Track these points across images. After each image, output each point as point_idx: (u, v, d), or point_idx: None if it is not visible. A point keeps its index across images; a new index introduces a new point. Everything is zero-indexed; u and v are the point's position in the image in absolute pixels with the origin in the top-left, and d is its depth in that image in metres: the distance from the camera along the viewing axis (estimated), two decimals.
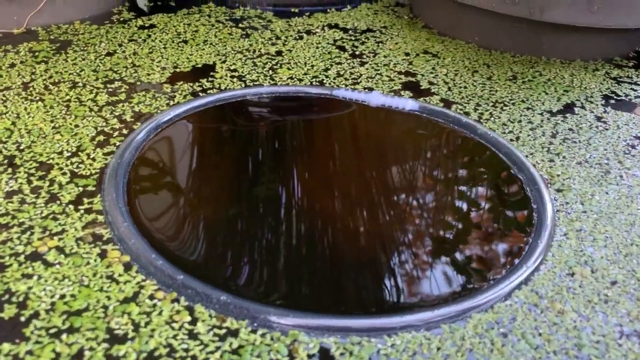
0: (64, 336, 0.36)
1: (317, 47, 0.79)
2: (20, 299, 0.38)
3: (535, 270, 0.43)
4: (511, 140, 0.60)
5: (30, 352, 0.35)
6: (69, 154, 0.53)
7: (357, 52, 0.78)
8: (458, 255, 0.45)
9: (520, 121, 0.64)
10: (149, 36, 0.78)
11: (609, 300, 0.41)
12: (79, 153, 0.53)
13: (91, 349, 0.35)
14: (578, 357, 0.37)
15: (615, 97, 0.71)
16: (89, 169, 0.51)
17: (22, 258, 0.41)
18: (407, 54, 0.78)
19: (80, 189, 0.49)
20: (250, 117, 0.64)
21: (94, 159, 0.53)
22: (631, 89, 0.73)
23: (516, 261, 0.44)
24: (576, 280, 0.43)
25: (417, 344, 0.37)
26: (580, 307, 0.41)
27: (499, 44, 0.81)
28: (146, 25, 0.82)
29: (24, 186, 0.49)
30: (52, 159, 0.52)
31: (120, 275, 0.41)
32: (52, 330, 0.36)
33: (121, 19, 0.83)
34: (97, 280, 0.40)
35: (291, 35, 0.82)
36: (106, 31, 0.79)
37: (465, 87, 0.70)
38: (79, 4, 0.81)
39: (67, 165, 0.52)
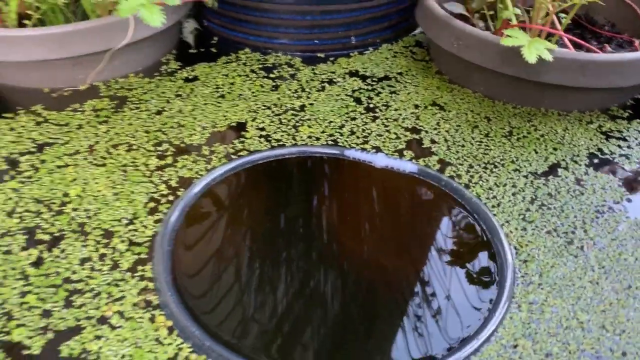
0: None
1: (337, 100, 0.89)
2: (94, 356, 0.53)
3: (486, 341, 0.55)
4: (492, 206, 0.70)
5: None
6: (127, 221, 0.67)
7: (371, 105, 0.88)
8: (417, 321, 0.57)
9: (505, 185, 0.74)
10: (192, 90, 0.91)
11: None
12: (134, 221, 0.67)
13: None
14: None
15: (599, 156, 0.79)
16: (142, 237, 0.65)
17: (93, 321, 0.56)
18: (416, 107, 0.88)
19: (136, 256, 0.63)
20: (274, 179, 0.76)
21: (145, 227, 0.67)
22: (618, 145, 0.81)
23: (472, 332, 0.56)
24: (517, 352, 0.54)
25: None
26: None
27: (502, 95, 0.89)
28: (190, 77, 0.94)
29: (93, 253, 0.63)
30: (114, 226, 0.67)
31: (164, 338, 0.55)
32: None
33: (169, 70, 0.96)
34: (148, 343, 0.54)
35: (314, 87, 0.92)
36: (156, 85, 0.92)
37: (462, 146, 0.80)
38: (132, 59, 0.93)
39: (125, 233, 0.66)
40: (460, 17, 0.89)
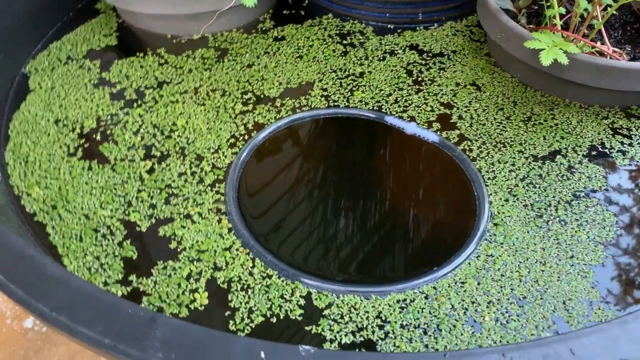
0: (195, 262, 0.78)
1: (392, 71, 1.08)
2: (178, 239, 0.81)
3: (444, 276, 0.76)
4: (488, 179, 0.89)
5: (175, 268, 0.77)
6: (213, 150, 0.93)
7: (419, 78, 1.06)
8: (404, 249, 0.79)
9: (506, 162, 0.91)
10: (278, 49, 1.13)
11: (478, 306, 0.73)
12: (218, 151, 0.93)
13: (204, 271, 0.77)
14: (436, 333, 0.70)
15: (599, 149, 0.93)
16: (222, 163, 0.91)
17: (181, 216, 0.83)
18: (457, 84, 1.05)
19: (215, 176, 0.89)
20: (326, 132, 0.98)
21: (225, 156, 0.92)
22: (621, 141, 0.94)
23: (436, 267, 0.77)
24: (464, 287, 0.75)
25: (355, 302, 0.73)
26: (456, 304, 0.73)
27: (533, 83, 1.04)
28: (279, 37, 1.17)
29: (187, 170, 0.90)
30: (204, 152, 0.93)
31: (225, 234, 0.81)
32: (191, 257, 0.78)
33: (263, 28, 1.19)
34: (213, 235, 0.81)
35: (377, 56, 1.11)
36: (251, 41, 1.15)
37: (483, 125, 0.97)
38: (235, 17, 1.17)
39: (211, 159, 0.92)
40: (508, 12, 1.03)
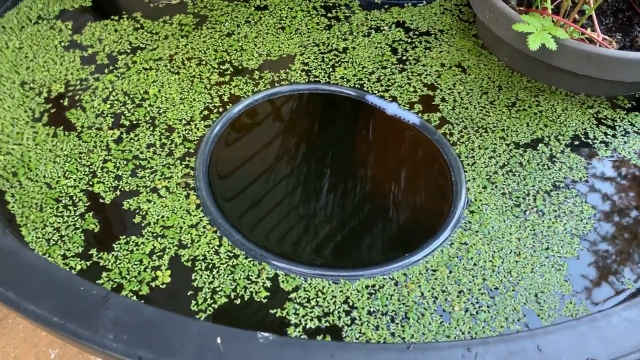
0: (159, 238, 0.75)
1: (376, 48, 1.04)
2: (143, 213, 0.78)
3: (415, 263, 0.74)
4: (467, 164, 0.86)
5: (138, 243, 0.74)
6: (185, 122, 0.90)
7: (403, 57, 1.03)
8: (380, 233, 0.76)
9: (487, 149, 0.89)
10: (260, 19, 1.09)
11: (448, 295, 0.71)
12: (190, 122, 0.89)
13: (168, 248, 0.74)
14: (403, 321, 0.68)
15: (582, 139, 0.91)
16: (193, 136, 0.88)
17: (148, 189, 0.80)
18: (442, 65, 1.02)
19: (186, 149, 0.86)
20: (304, 109, 0.95)
21: (198, 129, 0.89)
22: (604, 132, 0.92)
23: (408, 253, 0.75)
24: (435, 275, 0.73)
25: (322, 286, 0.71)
26: (426, 292, 0.71)
27: (520, 68, 1.01)
28: (261, 5, 1.12)
29: (157, 141, 0.87)
30: (175, 124, 0.89)
31: (192, 211, 0.78)
32: (155, 233, 0.75)
33: None
34: (180, 211, 0.78)
35: (361, 32, 1.08)
36: (232, 9, 1.11)
37: (466, 109, 0.94)
38: None
39: (182, 130, 0.88)
40: None
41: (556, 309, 0.70)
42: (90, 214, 0.77)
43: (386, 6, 1.14)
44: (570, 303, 0.71)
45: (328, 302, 0.69)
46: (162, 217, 0.76)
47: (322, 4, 1.13)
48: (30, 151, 0.84)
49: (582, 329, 0.55)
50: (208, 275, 0.71)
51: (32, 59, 0.98)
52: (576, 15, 0.96)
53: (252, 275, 0.71)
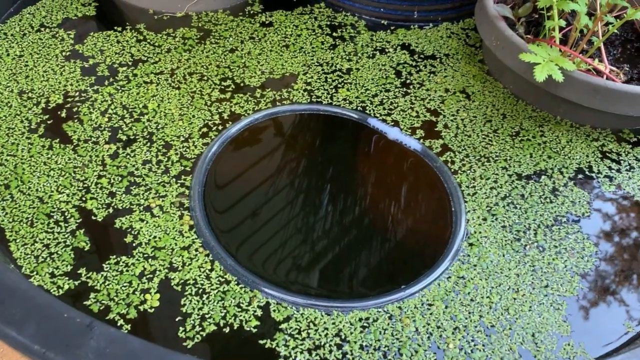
0: (150, 260, 0.73)
1: (380, 70, 1.03)
2: (135, 232, 0.76)
3: (410, 296, 0.72)
4: (468, 194, 0.84)
5: (128, 264, 0.72)
6: (183, 139, 0.88)
7: (407, 81, 1.02)
8: (378, 262, 0.75)
9: (488, 178, 0.87)
10: (264, 35, 1.08)
11: (443, 331, 0.70)
12: (189, 139, 0.88)
13: (158, 270, 0.72)
14: (396, 357, 0.67)
15: (586, 172, 0.89)
16: (191, 154, 0.86)
17: (141, 208, 0.79)
18: (446, 90, 1.01)
19: (182, 167, 0.84)
20: (305, 130, 0.93)
21: (196, 146, 0.87)
22: (609, 166, 0.91)
23: (404, 286, 0.73)
24: (431, 310, 0.71)
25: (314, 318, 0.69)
26: (421, 327, 0.69)
27: (526, 96, 0.99)
28: (266, 22, 1.11)
29: (153, 158, 0.85)
30: (173, 140, 0.88)
31: (185, 232, 0.76)
32: (146, 254, 0.73)
33: (251, 12, 1.13)
34: (173, 232, 0.76)
35: (366, 53, 1.06)
36: (237, 24, 1.10)
37: (469, 136, 0.93)
38: None
39: (179, 147, 0.87)
40: (506, 19, 0.98)
41: (553, 350, 0.68)
42: (82, 231, 0.75)
43: (392, 27, 1.13)
44: (568, 345, 0.69)
45: (319, 335, 0.67)
46: (154, 237, 0.75)
47: (328, 23, 1.12)
48: (24, 163, 0.82)
49: None
50: (198, 301, 0.69)
51: (32, 67, 0.97)
52: (584, 45, 0.94)
53: (243, 303, 0.69)
